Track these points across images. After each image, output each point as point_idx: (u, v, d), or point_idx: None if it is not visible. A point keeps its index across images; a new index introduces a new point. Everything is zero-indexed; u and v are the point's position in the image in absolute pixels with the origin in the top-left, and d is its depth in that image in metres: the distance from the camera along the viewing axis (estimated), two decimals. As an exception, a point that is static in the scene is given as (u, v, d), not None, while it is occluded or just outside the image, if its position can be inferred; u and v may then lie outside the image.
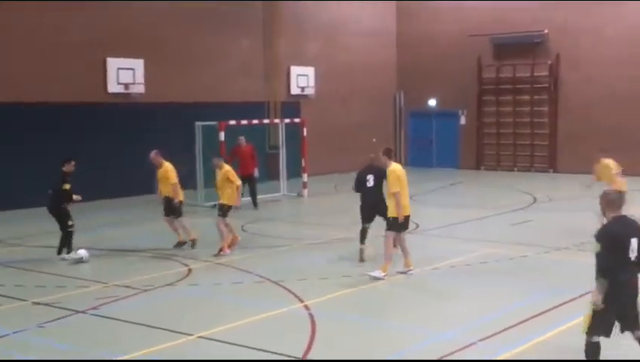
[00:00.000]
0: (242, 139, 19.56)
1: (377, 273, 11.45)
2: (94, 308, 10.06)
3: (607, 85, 26.10)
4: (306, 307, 9.99)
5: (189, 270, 12.37)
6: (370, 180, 12.60)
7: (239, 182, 13.85)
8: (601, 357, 6.97)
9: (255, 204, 19.06)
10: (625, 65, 25.75)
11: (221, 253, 13.37)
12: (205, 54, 23.80)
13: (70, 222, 13.13)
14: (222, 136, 19.38)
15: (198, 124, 20.33)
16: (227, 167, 13.88)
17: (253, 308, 10.00)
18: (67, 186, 13.10)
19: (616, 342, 7.13)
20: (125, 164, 21.05)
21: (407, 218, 11.66)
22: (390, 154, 11.76)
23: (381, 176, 12.24)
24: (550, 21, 27.01)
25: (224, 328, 9.07)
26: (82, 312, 9.93)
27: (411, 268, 11.80)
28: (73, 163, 13.27)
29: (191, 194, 20.52)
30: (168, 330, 9.05)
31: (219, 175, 13.81)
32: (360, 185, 12.79)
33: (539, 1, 27.13)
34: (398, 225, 11.54)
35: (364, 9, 29.37)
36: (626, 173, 24.22)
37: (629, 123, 25.54)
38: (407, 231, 11.99)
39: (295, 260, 13.27)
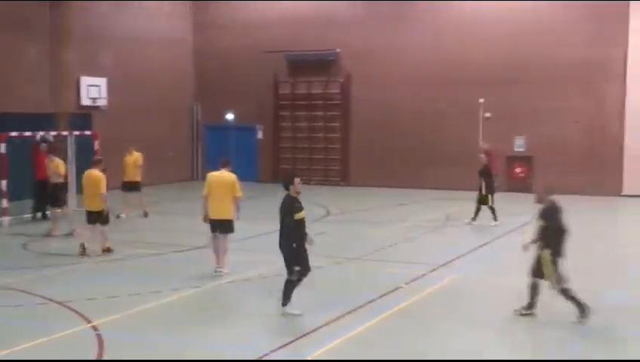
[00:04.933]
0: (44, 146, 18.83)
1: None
2: None
3: (393, 103, 27.65)
4: (94, 327, 9.51)
5: (-39, 293, 11.33)
6: None
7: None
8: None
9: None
10: (410, 84, 27.44)
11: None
12: (-15, 60, 22.11)
13: None
14: (2, 147, 18.08)
15: (-23, 135, 18.78)
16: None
17: (33, 332, 9.32)
18: None
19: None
20: None
21: (213, 221, 12.55)
22: (223, 164, 13.00)
23: None
24: (342, 41, 28.18)
25: (-1, 355, 8.38)
26: None
27: (222, 268, 12.57)
28: None
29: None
30: None
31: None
32: None
33: (332, 21, 28.25)
34: (210, 225, 12.67)
35: (159, 20, 28.88)
36: (406, 186, 26.22)
37: (413, 139, 27.25)
38: (223, 234, 12.65)
39: (84, 279, 12.65)
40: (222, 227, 12.60)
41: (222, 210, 12.47)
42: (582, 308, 9.71)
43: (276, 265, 13.38)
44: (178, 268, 13.25)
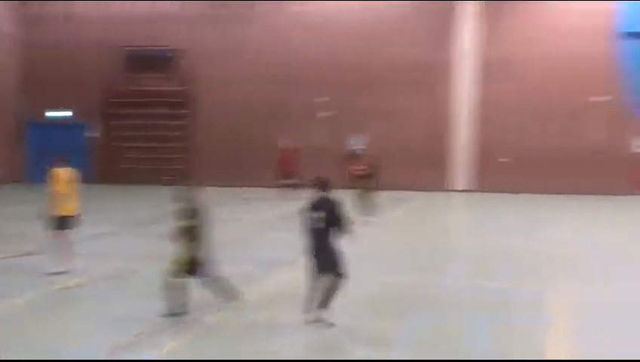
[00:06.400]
0: None
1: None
2: None
3: (238, 102, 27.37)
4: None
5: None
6: None
7: None
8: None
9: None
10: (255, 84, 27.23)
11: None
12: None
13: None
14: None
15: None
16: None
17: None
18: None
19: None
20: None
21: (63, 217, 12.52)
22: (62, 162, 12.84)
23: None
24: (185, 38, 27.53)
25: None
26: None
27: (69, 267, 12.22)
28: None
29: None
30: None
31: None
32: None
33: (174, 18, 27.51)
34: (57, 223, 12.60)
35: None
36: (252, 184, 25.93)
37: (258, 138, 27.09)
38: (68, 230, 12.53)
39: None
40: (74, 223, 12.83)
41: (71, 207, 12.84)
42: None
43: (115, 266, 12.71)
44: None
